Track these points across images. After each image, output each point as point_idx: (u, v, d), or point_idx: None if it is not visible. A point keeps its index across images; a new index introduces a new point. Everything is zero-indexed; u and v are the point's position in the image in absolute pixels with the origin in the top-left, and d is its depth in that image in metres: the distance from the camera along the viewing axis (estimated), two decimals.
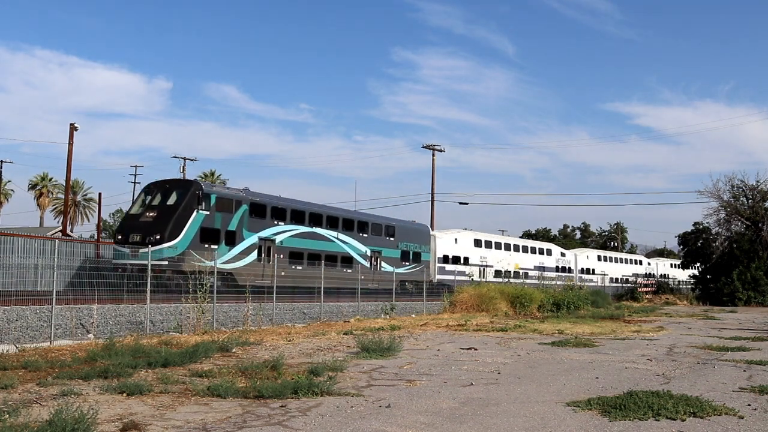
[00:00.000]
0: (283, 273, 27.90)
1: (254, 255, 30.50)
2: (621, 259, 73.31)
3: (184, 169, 65.04)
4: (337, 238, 35.83)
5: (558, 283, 44.05)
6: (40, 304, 17.03)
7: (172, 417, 7.71)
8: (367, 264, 37.48)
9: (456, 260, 46.54)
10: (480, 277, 43.20)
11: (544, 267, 55.12)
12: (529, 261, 54.67)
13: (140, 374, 10.59)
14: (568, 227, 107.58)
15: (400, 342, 15.40)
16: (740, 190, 51.37)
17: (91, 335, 16.42)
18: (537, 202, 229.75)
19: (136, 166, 72.89)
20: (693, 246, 56.08)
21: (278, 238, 32.05)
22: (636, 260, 75.90)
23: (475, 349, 15.31)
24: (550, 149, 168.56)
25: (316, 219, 34.94)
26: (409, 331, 20.10)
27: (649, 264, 77.00)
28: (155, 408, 8.17)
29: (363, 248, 37.62)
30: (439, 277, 43.69)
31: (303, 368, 11.28)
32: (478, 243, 50.18)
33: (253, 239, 30.60)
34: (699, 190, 69.54)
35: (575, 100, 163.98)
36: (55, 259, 15.87)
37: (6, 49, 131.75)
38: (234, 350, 14.00)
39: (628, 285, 59.59)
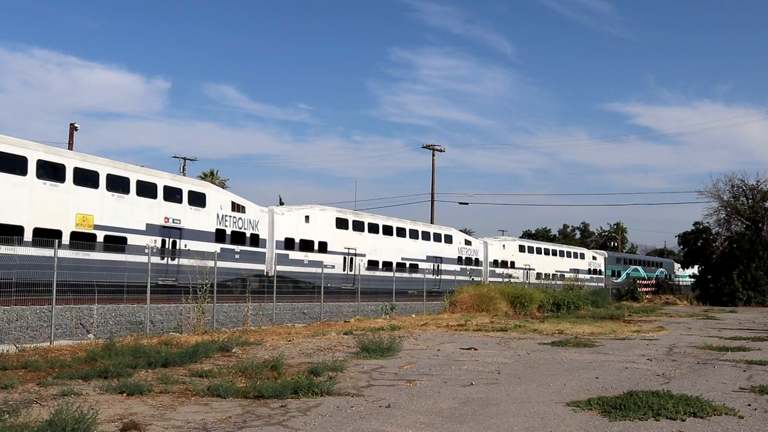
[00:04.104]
0: None
1: None
2: (380, 228, 40.69)
3: (184, 169, 65.09)
4: None
5: (244, 267, 28.84)
6: (40, 304, 17.04)
7: (172, 417, 7.71)
8: None
9: None
10: None
11: (222, 234, 29.81)
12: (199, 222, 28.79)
13: (140, 374, 10.59)
14: (568, 227, 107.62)
15: (400, 342, 15.40)
16: (740, 190, 51.50)
17: (91, 335, 16.42)
18: (537, 202, 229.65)
19: None
20: (693, 246, 56.17)
21: None
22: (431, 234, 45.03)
23: (475, 349, 15.31)
24: (550, 149, 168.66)
25: None
26: (409, 331, 20.10)
27: (471, 245, 49.18)
28: (155, 408, 8.17)
29: None
30: None
31: (303, 368, 11.29)
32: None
33: None
34: (699, 190, 69.37)
35: (574, 100, 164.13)
36: (56, 259, 15.87)
37: (4, 49, 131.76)
38: (234, 350, 14.00)
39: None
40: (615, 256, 70.25)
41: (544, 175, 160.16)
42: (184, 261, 26.35)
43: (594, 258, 64.39)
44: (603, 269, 64.39)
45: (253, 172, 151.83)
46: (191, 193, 28.90)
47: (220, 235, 29.63)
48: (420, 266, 41.57)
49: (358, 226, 38.51)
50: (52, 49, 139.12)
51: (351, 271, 36.09)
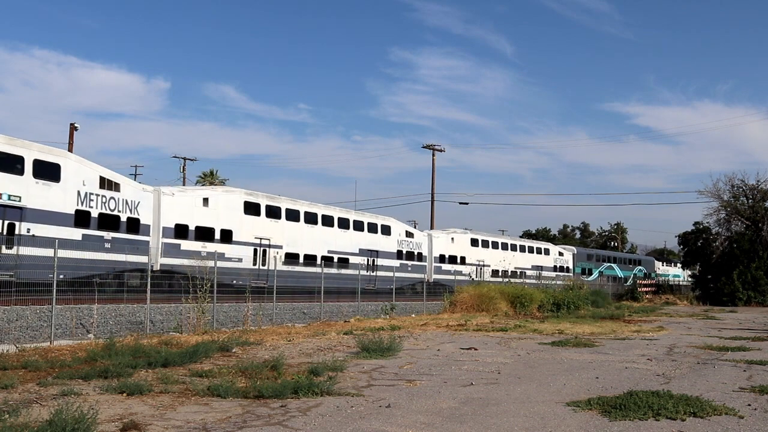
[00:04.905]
0: None
1: None
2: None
3: (184, 169, 65.09)
4: None
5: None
6: (40, 304, 17.04)
7: (172, 417, 7.71)
8: None
9: None
10: None
11: (85, 216, 25.38)
12: None
13: (140, 374, 10.59)
14: (568, 227, 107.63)
15: (400, 342, 15.39)
16: (740, 189, 51.47)
17: (91, 335, 16.42)
18: (537, 202, 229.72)
19: (136, 166, 72.96)
20: (693, 246, 56.13)
21: None
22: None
23: (476, 349, 15.31)
24: (550, 149, 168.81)
25: None
26: (409, 331, 20.09)
27: (413, 237, 44.91)
28: (155, 408, 8.17)
29: None
30: None
31: (303, 368, 11.28)
32: None
33: None
34: (699, 190, 68.97)
35: (574, 100, 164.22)
36: (56, 259, 15.88)
37: (4, 49, 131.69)
38: (234, 350, 14.00)
39: None
40: (585, 253, 65.81)
41: (544, 175, 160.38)
42: (25, 250, 21.26)
43: (560, 254, 60.01)
44: (571, 266, 60.19)
45: (253, 172, 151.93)
46: (38, 164, 22.90)
47: (82, 218, 24.21)
48: (351, 261, 37.09)
49: (273, 213, 33.30)
50: (52, 49, 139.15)
51: (264, 265, 31.37)
